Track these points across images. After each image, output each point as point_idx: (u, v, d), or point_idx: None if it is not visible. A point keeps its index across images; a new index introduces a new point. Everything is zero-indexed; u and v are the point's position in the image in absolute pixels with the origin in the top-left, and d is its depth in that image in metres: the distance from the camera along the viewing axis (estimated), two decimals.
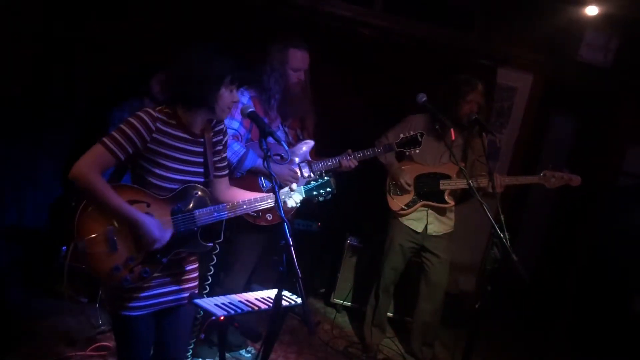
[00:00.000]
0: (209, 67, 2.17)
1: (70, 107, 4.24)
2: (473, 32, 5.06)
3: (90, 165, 2.04)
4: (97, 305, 3.60)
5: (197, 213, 2.26)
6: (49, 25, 4.06)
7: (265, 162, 2.18)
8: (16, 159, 4.20)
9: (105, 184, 2.06)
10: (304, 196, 2.57)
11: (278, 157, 3.23)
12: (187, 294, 2.38)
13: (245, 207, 2.38)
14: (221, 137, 2.43)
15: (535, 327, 5.56)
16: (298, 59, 3.29)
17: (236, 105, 3.19)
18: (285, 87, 3.30)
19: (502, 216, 2.83)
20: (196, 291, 2.44)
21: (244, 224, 3.23)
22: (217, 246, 3.17)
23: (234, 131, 3.22)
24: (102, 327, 3.50)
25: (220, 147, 2.43)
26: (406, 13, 4.89)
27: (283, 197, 2.52)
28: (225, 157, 2.50)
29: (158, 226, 2.14)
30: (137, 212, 2.10)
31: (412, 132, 3.50)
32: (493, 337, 4.63)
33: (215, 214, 2.29)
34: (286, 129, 3.43)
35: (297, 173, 3.31)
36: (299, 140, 3.47)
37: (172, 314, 2.38)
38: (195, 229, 2.28)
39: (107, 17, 4.15)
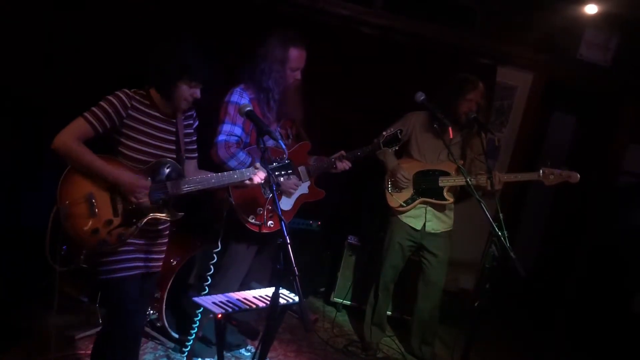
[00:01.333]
0: (171, 61, 2.39)
1: (71, 107, 4.24)
2: (473, 31, 5.06)
3: (71, 134, 2.29)
4: (97, 304, 3.61)
5: (169, 184, 2.47)
6: (51, 26, 4.07)
7: (262, 161, 2.18)
8: (17, 158, 4.21)
9: (86, 149, 2.29)
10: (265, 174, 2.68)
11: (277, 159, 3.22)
12: (156, 263, 2.62)
13: (213, 180, 2.57)
14: (191, 121, 2.68)
15: (534, 325, 5.57)
16: (298, 59, 3.22)
17: (235, 107, 3.18)
18: (284, 88, 3.23)
19: (501, 214, 2.84)
20: (160, 263, 2.65)
21: (242, 232, 3.22)
22: (215, 256, 3.20)
23: (236, 138, 3.17)
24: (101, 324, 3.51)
25: (191, 131, 2.69)
26: (406, 11, 4.88)
27: (248, 173, 2.66)
28: (195, 140, 2.72)
29: (136, 176, 2.36)
30: (112, 168, 2.32)
31: (392, 130, 3.48)
32: (492, 336, 4.63)
33: (185, 186, 2.51)
34: (279, 129, 3.39)
35: (299, 180, 3.31)
36: (289, 139, 3.46)
37: (143, 281, 2.56)
38: (167, 198, 2.48)
39: (108, 17, 4.16)
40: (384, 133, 3.49)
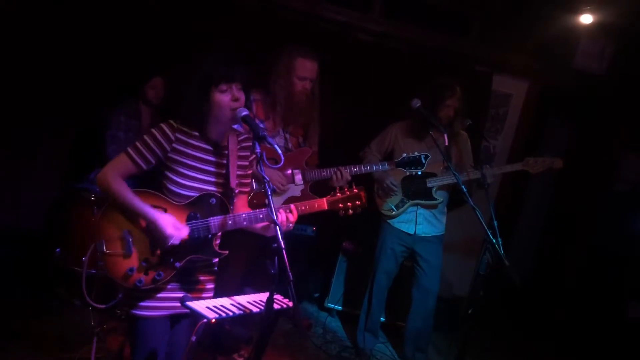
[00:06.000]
0: (191, 80, 2.24)
1: (68, 109, 4.24)
2: (469, 39, 5.09)
3: (113, 171, 2.19)
4: (90, 308, 3.59)
5: (212, 221, 2.29)
6: (49, 29, 4.08)
7: (258, 166, 2.18)
8: (14, 160, 4.21)
9: (125, 186, 2.18)
10: (326, 207, 2.50)
11: (273, 161, 3.23)
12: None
13: (261, 216, 2.34)
14: (248, 153, 2.45)
15: (528, 332, 5.57)
16: (305, 68, 3.35)
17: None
18: (289, 95, 3.36)
19: (495, 222, 2.85)
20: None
21: (232, 234, 3.20)
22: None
23: None
24: (96, 329, 3.49)
25: (246, 163, 2.45)
26: (403, 19, 4.91)
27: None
28: (250, 174, 2.50)
29: (173, 223, 2.20)
30: (153, 210, 2.18)
31: (416, 153, 3.38)
32: (486, 342, 4.63)
33: (230, 223, 2.31)
34: (287, 135, 3.46)
35: (288, 178, 3.33)
36: (300, 147, 3.49)
37: (182, 322, 2.41)
38: (210, 236, 2.31)
39: (106, 21, 4.17)
40: (404, 155, 3.39)
